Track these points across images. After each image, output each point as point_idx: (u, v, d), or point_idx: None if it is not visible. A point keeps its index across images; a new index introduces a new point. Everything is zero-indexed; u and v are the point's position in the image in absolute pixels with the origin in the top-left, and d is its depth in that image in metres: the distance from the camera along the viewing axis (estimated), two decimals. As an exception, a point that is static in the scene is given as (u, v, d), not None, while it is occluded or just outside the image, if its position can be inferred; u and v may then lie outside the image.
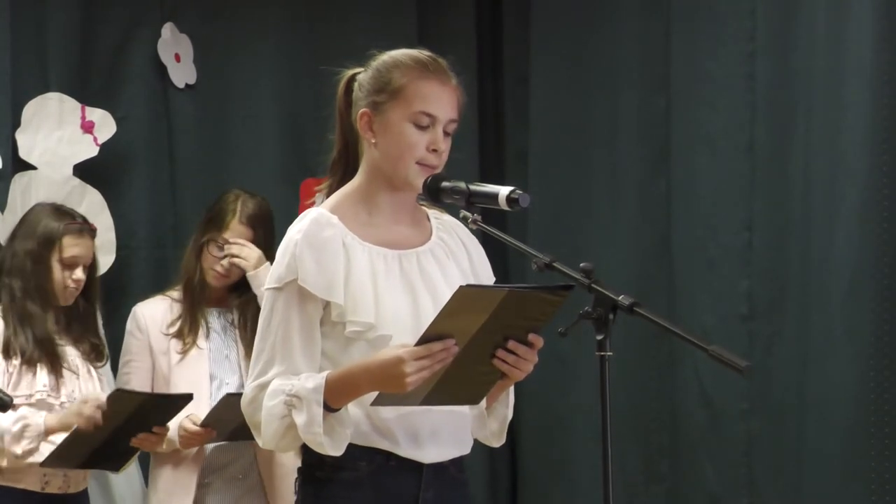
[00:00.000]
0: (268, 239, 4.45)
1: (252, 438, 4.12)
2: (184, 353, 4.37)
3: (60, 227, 4.24)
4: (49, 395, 4.13)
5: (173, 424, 4.22)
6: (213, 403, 4.27)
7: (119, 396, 4.03)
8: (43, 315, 4.18)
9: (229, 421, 4.16)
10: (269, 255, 4.43)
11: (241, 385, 4.34)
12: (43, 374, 4.14)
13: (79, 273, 4.24)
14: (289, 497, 4.33)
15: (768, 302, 4.56)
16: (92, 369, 4.26)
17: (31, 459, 4.05)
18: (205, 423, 4.21)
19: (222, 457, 4.38)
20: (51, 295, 4.20)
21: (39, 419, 4.03)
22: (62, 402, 4.14)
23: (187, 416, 4.23)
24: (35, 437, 4.01)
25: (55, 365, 4.16)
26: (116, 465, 4.21)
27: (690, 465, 4.78)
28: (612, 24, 5.09)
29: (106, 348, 4.37)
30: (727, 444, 4.65)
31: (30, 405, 4.09)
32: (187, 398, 4.14)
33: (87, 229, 4.32)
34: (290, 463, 4.36)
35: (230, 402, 4.10)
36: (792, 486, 4.45)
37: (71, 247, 4.24)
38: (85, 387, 4.21)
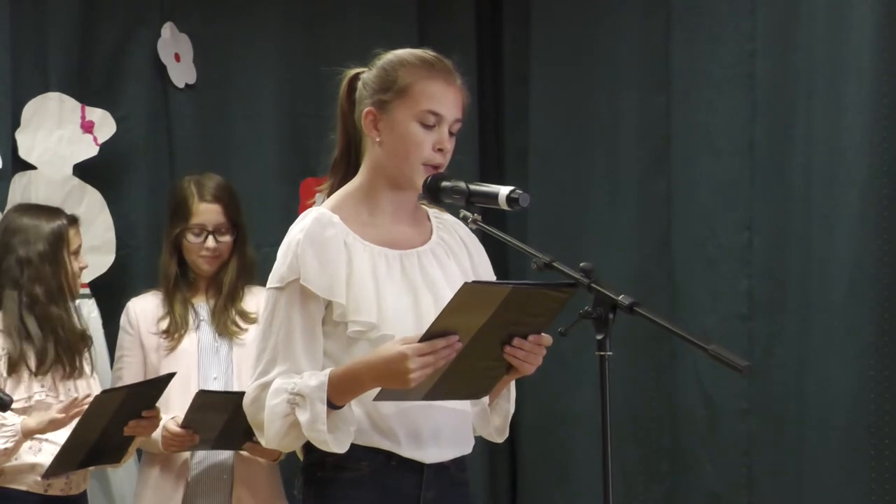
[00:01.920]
0: (236, 208, 4.44)
1: (236, 448, 4.19)
2: (171, 350, 4.36)
3: (63, 222, 4.26)
4: (48, 395, 4.13)
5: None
6: None
7: (101, 400, 3.99)
8: (65, 314, 4.18)
9: (211, 423, 4.13)
10: (240, 225, 4.43)
11: (228, 380, 4.34)
12: (39, 377, 4.13)
13: (82, 260, 4.30)
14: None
15: (768, 301, 4.56)
16: (87, 364, 4.25)
17: (15, 464, 4.05)
18: (184, 425, 4.18)
19: (208, 459, 4.36)
20: (69, 290, 4.22)
21: (16, 419, 3.99)
22: (61, 401, 4.13)
23: (171, 418, 4.21)
24: (10, 436, 3.97)
25: (71, 365, 4.16)
26: (116, 457, 4.20)
27: (690, 465, 4.78)
28: (612, 24, 5.09)
29: (88, 330, 4.34)
30: (727, 443, 4.65)
31: (29, 407, 4.09)
32: (168, 378, 4.09)
33: (75, 219, 4.35)
34: (263, 471, 4.36)
35: (205, 401, 4.09)
36: (792, 486, 4.45)
37: (74, 237, 4.28)
38: (78, 383, 4.20)
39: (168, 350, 4.35)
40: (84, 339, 4.29)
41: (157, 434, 4.22)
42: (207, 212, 4.40)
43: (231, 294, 4.39)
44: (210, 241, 4.38)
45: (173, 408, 4.26)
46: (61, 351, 4.15)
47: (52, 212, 4.31)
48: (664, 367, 4.88)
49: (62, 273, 4.20)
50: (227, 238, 4.41)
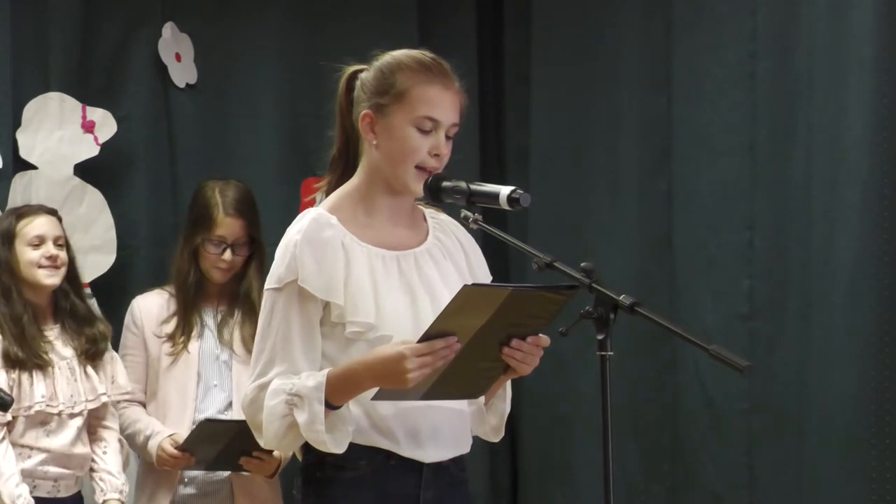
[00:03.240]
0: (256, 222, 4.45)
1: (231, 469, 4.19)
2: (174, 355, 4.36)
3: (12, 219, 4.22)
4: (48, 406, 4.13)
5: (154, 440, 4.24)
6: (197, 406, 4.30)
7: None
8: (20, 314, 4.13)
9: (209, 447, 4.15)
10: (258, 239, 4.44)
11: (229, 387, 4.34)
12: (40, 384, 4.12)
13: (51, 248, 4.19)
14: None
15: (769, 301, 4.56)
16: (89, 367, 4.24)
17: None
18: (182, 448, 4.19)
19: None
20: (22, 288, 4.16)
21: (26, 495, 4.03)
22: (60, 411, 4.14)
23: (169, 436, 4.23)
24: None
25: (46, 369, 4.14)
26: None
27: (691, 465, 4.78)
28: (612, 24, 5.10)
29: (104, 324, 4.31)
30: (728, 443, 4.65)
31: (28, 416, 4.10)
32: None
33: (40, 208, 4.29)
34: (261, 479, 4.35)
35: (208, 429, 4.12)
36: (792, 486, 4.45)
37: (27, 227, 4.20)
38: (83, 387, 4.20)
39: (170, 356, 4.36)
40: (98, 351, 4.28)
41: (153, 448, 4.23)
42: (230, 225, 4.39)
43: (252, 310, 4.36)
44: (227, 254, 4.38)
45: (170, 416, 4.27)
46: (27, 353, 4.12)
47: (9, 213, 4.29)
48: (665, 367, 4.88)
49: (10, 271, 4.15)
50: (244, 252, 4.42)
